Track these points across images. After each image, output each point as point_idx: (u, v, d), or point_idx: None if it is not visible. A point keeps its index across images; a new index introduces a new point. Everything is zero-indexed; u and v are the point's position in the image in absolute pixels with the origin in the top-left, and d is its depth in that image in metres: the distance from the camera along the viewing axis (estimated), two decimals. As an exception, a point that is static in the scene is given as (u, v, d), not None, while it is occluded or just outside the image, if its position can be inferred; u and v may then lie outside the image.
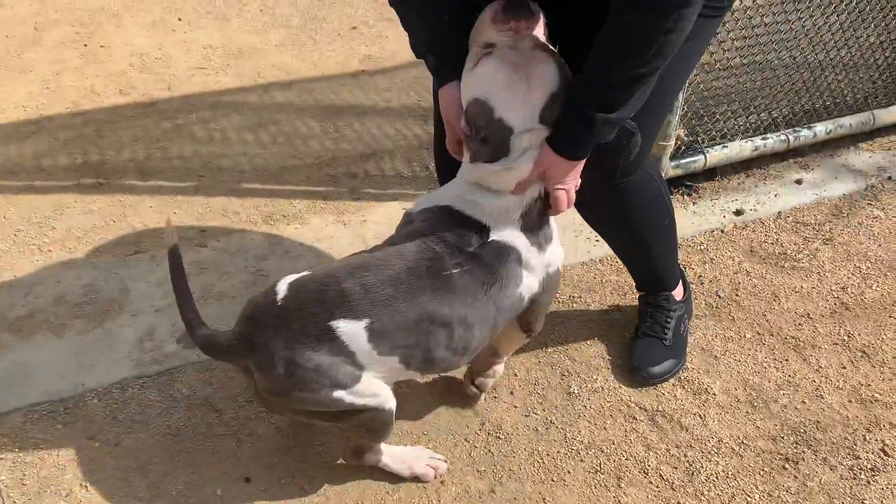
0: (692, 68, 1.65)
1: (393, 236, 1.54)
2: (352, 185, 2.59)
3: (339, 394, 1.40)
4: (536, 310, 1.59)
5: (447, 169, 1.65)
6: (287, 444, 1.72)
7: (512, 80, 1.33)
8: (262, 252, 2.27)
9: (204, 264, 2.21)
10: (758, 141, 2.57)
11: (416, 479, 1.65)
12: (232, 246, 2.29)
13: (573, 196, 1.48)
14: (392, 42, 3.51)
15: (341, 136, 2.86)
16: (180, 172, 2.62)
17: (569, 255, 2.29)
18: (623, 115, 1.35)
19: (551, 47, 1.40)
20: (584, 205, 1.69)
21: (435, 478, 1.65)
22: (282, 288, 1.42)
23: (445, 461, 1.68)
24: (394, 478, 1.66)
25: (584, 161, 1.43)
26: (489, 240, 1.46)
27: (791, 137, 2.62)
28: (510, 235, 1.47)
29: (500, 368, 1.80)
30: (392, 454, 1.64)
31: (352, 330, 1.37)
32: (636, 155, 1.59)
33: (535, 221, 1.49)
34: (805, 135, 2.65)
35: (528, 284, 1.51)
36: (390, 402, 1.48)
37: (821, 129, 2.68)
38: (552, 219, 1.54)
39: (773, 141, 2.59)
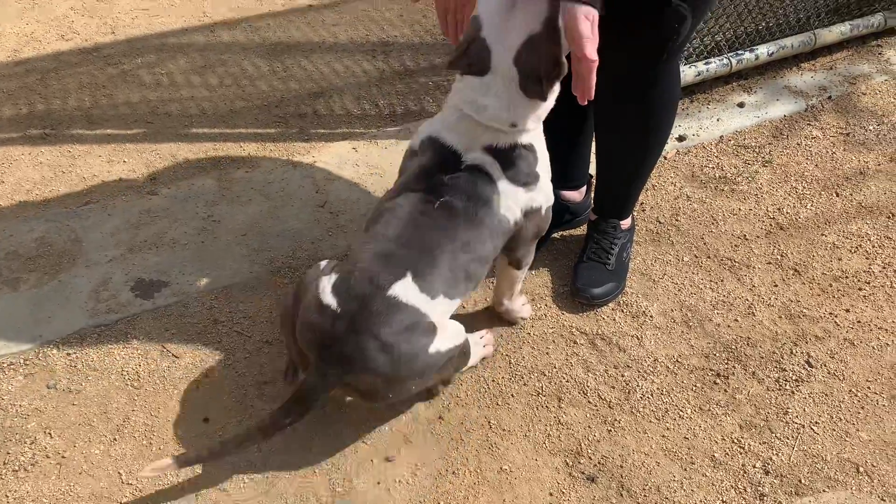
0: None
1: (401, 173, 1.69)
2: (301, 126, 2.60)
3: (434, 347, 1.52)
4: (519, 244, 1.70)
5: None
6: (243, 383, 1.80)
7: (504, 8, 1.45)
8: (212, 198, 2.29)
9: (155, 212, 2.24)
10: (700, 66, 2.60)
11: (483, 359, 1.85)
12: (182, 192, 2.31)
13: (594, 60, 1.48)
14: (339, -26, 3.45)
15: (289, 74, 2.85)
16: (128, 119, 2.62)
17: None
18: None
19: None
20: (621, 89, 1.78)
21: (493, 345, 1.87)
22: (328, 298, 1.50)
23: (488, 330, 1.89)
24: (343, 407, 1.74)
25: (597, 18, 1.44)
26: (462, 166, 1.56)
27: (733, 61, 2.66)
28: (481, 160, 1.57)
29: (524, 312, 1.95)
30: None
31: (405, 287, 1.49)
32: (682, 39, 1.68)
33: (510, 157, 1.58)
34: (747, 58, 2.68)
35: (510, 209, 1.60)
36: (464, 332, 1.64)
37: (763, 50, 2.71)
38: (542, 162, 1.64)
39: (715, 65, 2.62)
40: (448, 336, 1.57)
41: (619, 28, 1.63)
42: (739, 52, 2.68)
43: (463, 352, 1.64)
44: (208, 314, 1.96)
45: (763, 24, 2.79)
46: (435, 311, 1.54)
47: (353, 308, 1.47)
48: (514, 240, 1.68)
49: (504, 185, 1.58)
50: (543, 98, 1.53)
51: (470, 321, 1.95)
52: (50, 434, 1.69)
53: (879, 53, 2.94)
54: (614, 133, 1.92)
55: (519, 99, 1.52)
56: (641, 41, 1.67)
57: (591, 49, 1.40)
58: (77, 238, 2.16)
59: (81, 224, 2.20)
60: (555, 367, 1.85)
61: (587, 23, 1.38)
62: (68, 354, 1.86)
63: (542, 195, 1.66)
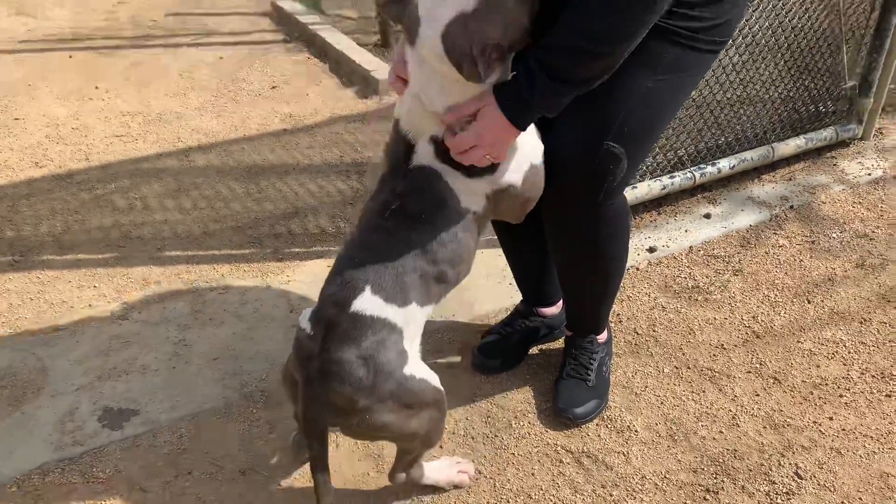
0: (682, 102, 1.68)
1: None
2: (275, 246, 2.60)
3: (409, 370, 1.51)
4: (509, 209, 1.64)
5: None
6: (215, 517, 1.71)
7: None
8: (184, 321, 2.25)
9: (125, 338, 2.19)
10: (665, 180, 2.68)
11: (455, 487, 1.77)
12: (154, 317, 2.27)
13: (480, 160, 1.47)
14: (313, 99, 3.56)
15: (264, 195, 2.87)
16: (100, 245, 2.60)
17: (492, 301, 2.34)
18: (563, 90, 1.40)
19: None
20: (562, 227, 1.74)
21: (469, 479, 1.79)
22: (306, 323, 1.51)
23: (471, 461, 1.83)
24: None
25: (515, 136, 1.45)
26: (410, 166, 1.51)
27: (697, 174, 2.74)
28: (427, 159, 1.51)
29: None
30: (431, 468, 1.74)
31: (366, 301, 1.47)
32: (620, 180, 1.64)
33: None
34: (710, 171, 2.78)
35: (470, 201, 1.55)
36: (438, 380, 1.59)
37: (724, 164, 2.81)
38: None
39: (679, 179, 2.71)
40: (422, 368, 1.55)
41: (553, 168, 1.62)
42: (702, 165, 2.78)
43: (438, 407, 1.58)
44: (179, 443, 1.88)
45: (723, 140, 2.90)
46: (410, 318, 1.52)
47: (322, 331, 1.47)
48: (499, 209, 1.63)
49: (455, 181, 1.52)
50: (481, 80, 1.37)
51: (456, 450, 1.90)
52: (5, 582, 1.58)
53: (834, 164, 3.07)
54: (566, 263, 1.89)
55: (453, 81, 1.39)
56: (576, 182, 1.62)
57: (461, 151, 1.45)
58: (43, 367, 2.09)
59: (48, 352, 2.14)
60: (541, 489, 1.79)
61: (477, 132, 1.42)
62: (29, 492, 1.75)
63: (508, 174, 1.56)
